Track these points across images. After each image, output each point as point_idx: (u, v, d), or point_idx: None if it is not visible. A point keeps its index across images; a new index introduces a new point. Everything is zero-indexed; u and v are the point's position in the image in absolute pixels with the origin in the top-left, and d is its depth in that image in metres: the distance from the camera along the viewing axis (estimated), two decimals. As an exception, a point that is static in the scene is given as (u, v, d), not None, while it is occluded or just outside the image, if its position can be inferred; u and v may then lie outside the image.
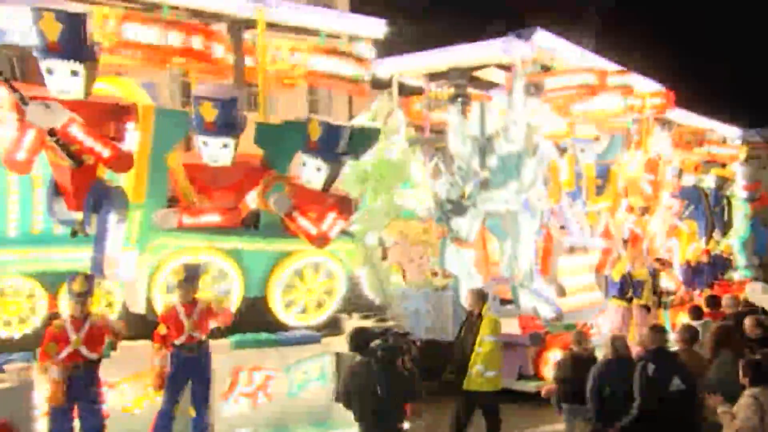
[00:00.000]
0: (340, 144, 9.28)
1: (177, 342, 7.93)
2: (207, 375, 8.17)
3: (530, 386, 12.04)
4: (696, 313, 11.46)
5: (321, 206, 9.25)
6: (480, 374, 9.09)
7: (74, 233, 8.58)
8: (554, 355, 12.39)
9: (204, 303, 8.16)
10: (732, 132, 24.25)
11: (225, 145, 8.78)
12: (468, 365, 9.13)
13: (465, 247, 12.51)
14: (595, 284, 14.31)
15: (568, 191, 14.11)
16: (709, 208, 18.33)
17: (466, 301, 9.74)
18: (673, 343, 8.57)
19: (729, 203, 19.88)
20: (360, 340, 7.46)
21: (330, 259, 9.78)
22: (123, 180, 8.64)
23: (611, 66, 16.43)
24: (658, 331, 7.67)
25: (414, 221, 12.92)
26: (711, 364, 7.68)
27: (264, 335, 9.32)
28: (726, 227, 19.48)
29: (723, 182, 19.81)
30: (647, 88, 17.35)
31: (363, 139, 10.12)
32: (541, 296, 12.58)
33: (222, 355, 8.87)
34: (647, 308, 14.29)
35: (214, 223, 8.97)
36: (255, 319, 9.46)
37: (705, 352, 8.14)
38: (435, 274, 13.10)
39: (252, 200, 9.30)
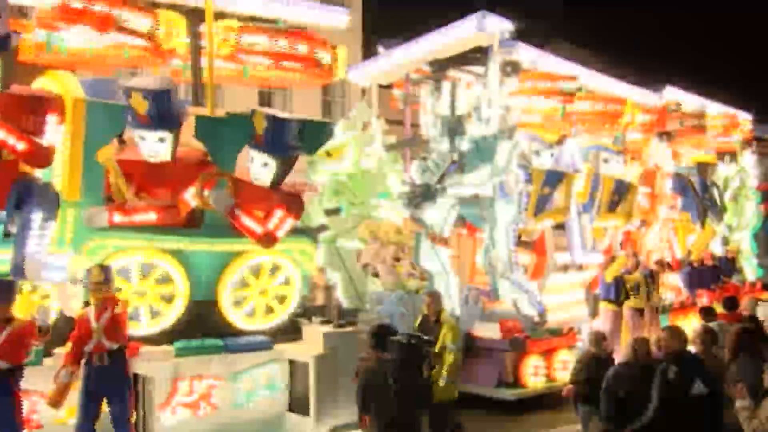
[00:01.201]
0: (288, 138, 8.75)
1: (86, 348, 7.29)
2: (123, 391, 7.45)
3: (509, 394, 11.43)
4: (708, 314, 10.82)
5: (267, 204, 8.72)
6: (452, 386, 8.49)
7: (7, 234, 8.13)
8: (535, 362, 11.78)
9: (119, 308, 7.47)
10: (740, 115, 23.23)
11: (162, 140, 8.28)
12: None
13: (441, 245, 11.87)
14: (583, 300, 13.59)
15: (579, 203, 13.39)
16: (697, 196, 17.54)
17: (424, 304, 9.13)
18: (690, 344, 8.01)
19: (718, 189, 18.97)
20: (381, 336, 7.23)
21: (284, 259, 9.31)
22: (55, 176, 8.19)
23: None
24: (679, 332, 7.16)
25: (386, 222, 12.25)
26: (729, 368, 7.27)
27: (209, 341, 8.83)
28: (719, 213, 18.59)
29: (705, 168, 18.92)
30: (642, 100, 16.70)
31: (315, 134, 9.63)
32: (521, 288, 11.90)
33: (162, 362, 8.41)
34: (640, 312, 13.58)
35: (150, 221, 8.46)
36: (204, 324, 8.99)
37: (723, 354, 7.71)
38: (423, 279, 12.41)
39: (191, 198, 8.78)
